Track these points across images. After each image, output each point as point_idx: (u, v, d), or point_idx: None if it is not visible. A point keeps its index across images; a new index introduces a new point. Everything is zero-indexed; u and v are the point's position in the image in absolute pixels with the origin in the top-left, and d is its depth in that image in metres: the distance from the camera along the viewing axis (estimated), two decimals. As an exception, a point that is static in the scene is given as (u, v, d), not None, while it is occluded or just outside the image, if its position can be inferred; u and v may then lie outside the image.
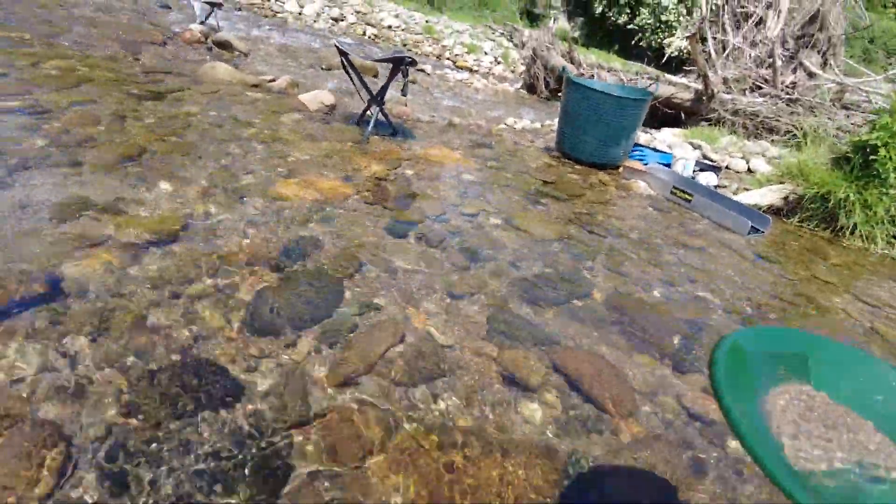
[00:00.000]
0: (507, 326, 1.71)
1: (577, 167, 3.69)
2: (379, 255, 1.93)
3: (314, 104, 3.60)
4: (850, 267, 2.99)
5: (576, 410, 1.44)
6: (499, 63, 8.77)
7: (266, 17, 7.77)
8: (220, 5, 5.56)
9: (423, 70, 6.93)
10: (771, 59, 6.10)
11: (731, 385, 0.75)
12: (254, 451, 1.12)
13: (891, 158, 3.20)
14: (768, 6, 7.08)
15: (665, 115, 6.04)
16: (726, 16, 7.27)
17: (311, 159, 2.68)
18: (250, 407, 1.22)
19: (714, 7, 7.05)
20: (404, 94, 3.26)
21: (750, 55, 6.77)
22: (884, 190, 3.30)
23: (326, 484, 1.09)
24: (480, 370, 1.51)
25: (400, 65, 3.14)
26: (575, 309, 1.90)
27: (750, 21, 7.15)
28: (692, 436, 1.43)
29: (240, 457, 1.10)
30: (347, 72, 3.26)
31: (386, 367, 1.43)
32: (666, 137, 4.89)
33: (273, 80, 4.07)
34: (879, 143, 3.23)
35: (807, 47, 6.87)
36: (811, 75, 6.52)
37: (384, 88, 3.27)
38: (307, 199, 2.24)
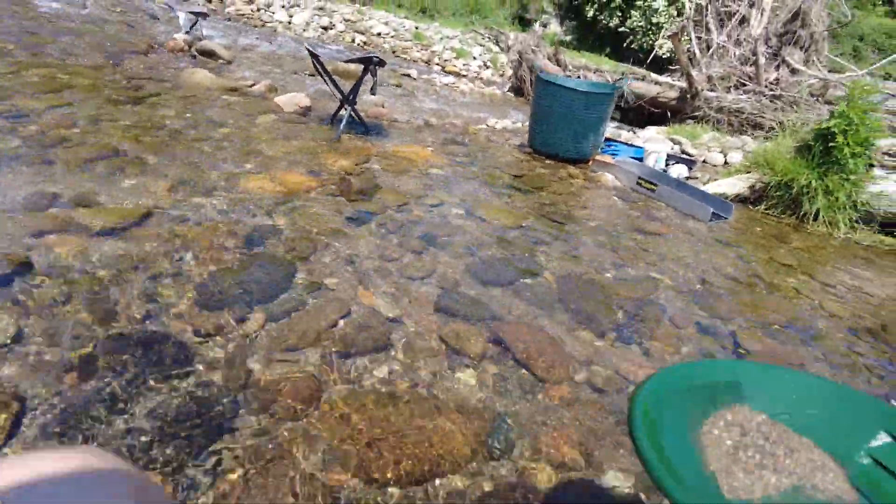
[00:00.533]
0: (455, 303, 1.79)
1: (549, 162, 3.78)
2: (336, 242, 2.02)
3: (290, 106, 3.71)
4: (810, 251, 3.07)
5: (512, 377, 1.52)
6: (487, 67, 8.88)
7: (255, 27, 7.91)
8: (204, 15, 5.70)
9: (408, 75, 7.04)
10: (754, 57, 6.20)
11: (652, 427, 0.73)
12: (201, 411, 1.20)
13: (847, 144, 3.28)
14: (751, 5, 7.20)
15: (652, 114, 6.15)
16: (710, 15, 7.38)
17: (281, 157, 2.78)
18: (199, 372, 1.30)
19: (698, 6, 7.17)
20: (373, 94, 3.36)
21: (734, 53, 6.88)
22: (844, 176, 3.38)
23: (266, 438, 1.17)
24: (424, 341, 1.59)
25: (368, 64, 3.24)
26: (524, 288, 1.98)
27: (733, 20, 7.26)
28: (623, 402, 1.51)
29: (187, 418, 1.18)
30: (319, 73, 3.36)
31: (330, 338, 1.51)
32: (648, 135, 4.99)
33: (253, 85, 4.18)
34: (837, 131, 3.32)
35: (789, 44, 6.98)
36: (794, 71, 6.62)
37: (355, 88, 3.37)
38: (272, 193, 2.33)
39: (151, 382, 1.25)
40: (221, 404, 1.23)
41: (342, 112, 3.44)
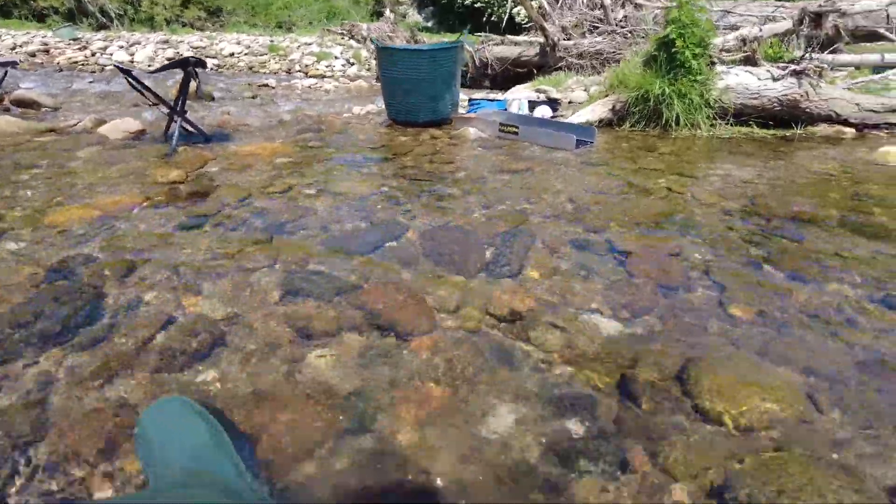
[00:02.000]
0: (305, 285, 1.57)
1: (410, 130, 3.62)
2: (160, 254, 1.74)
3: (116, 133, 3.32)
4: (677, 154, 3.09)
5: (373, 343, 1.33)
6: (352, 64, 8.65)
7: (93, 72, 7.25)
8: (13, 64, 5.09)
9: (266, 85, 6.70)
10: (600, 0, 6.38)
11: None
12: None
13: (687, 47, 3.34)
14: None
15: (518, 75, 6.21)
16: (552, -31, 7.53)
17: (101, 183, 2.43)
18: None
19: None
20: (199, 96, 3.06)
21: (581, 1, 7.06)
22: (692, 78, 3.45)
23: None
24: (267, 333, 1.36)
25: (186, 67, 2.94)
26: (386, 251, 1.79)
27: (574, -31, 7.43)
28: (496, 337, 1.35)
29: None
30: (138, 90, 3.02)
31: (146, 357, 1.26)
32: (515, 95, 4.95)
33: (76, 123, 3.74)
34: (674, 35, 3.37)
35: (631, -18, 7.22)
36: (638, 6, 6.87)
37: (180, 97, 3.05)
38: (86, 220, 2.01)
39: None
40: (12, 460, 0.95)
41: (173, 125, 3.11)
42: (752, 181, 2.61)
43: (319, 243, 1.83)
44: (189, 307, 1.45)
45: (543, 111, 3.87)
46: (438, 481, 0.93)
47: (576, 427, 1.06)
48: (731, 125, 3.62)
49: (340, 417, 1.07)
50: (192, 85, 2.99)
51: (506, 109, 3.95)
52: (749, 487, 0.91)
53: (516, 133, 3.26)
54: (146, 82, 3.11)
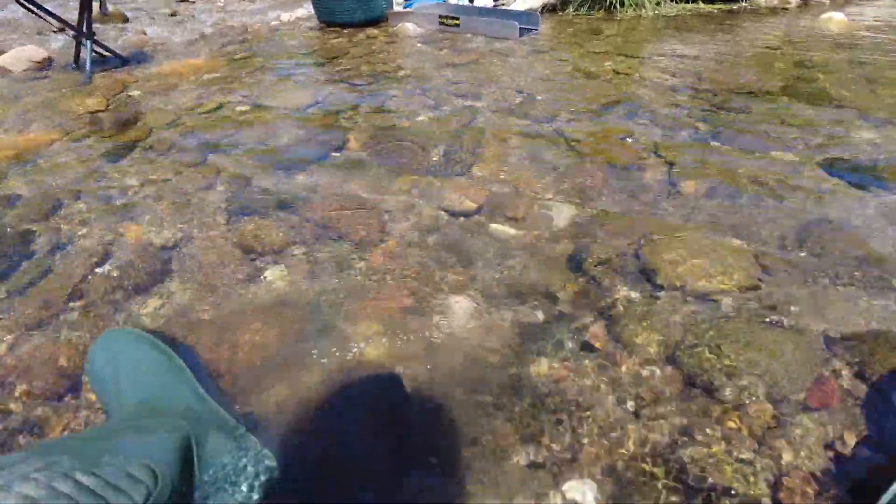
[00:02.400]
0: (249, 203, 1.50)
1: (344, 32, 3.40)
2: (90, 186, 1.63)
3: (20, 64, 3.00)
4: (623, 34, 3.00)
5: (326, 256, 1.29)
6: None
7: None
8: None
9: (184, 0, 6.12)
10: None
11: None
12: None
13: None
14: None
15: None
16: None
17: (9, 119, 2.22)
18: None
19: None
20: (105, 14, 2.77)
21: None
22: (634, -48, 3.29)
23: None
24: (215, 255, 1.31)
25: (84, -22, 2.62)
26: (330, 162, 1.72)
27: None
28: (452, 234, 1.33)
29: None
30: (36, 14, 2.70)
31: (88, 293, 1.20)
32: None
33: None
34: None
35: None
36: None
37: (83, 16, 2.74)
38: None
39: None
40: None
41: (83, 50, 2.82)
42: (699, 57, 2.57)
43: (258, 160, 1.74)
44: (128, 237, 1.37)
45: (485, 1, 3.67)
46: (405, 382, 0.94)
47: (535, 312, 1.07)
48: (677, 2, 3.52)
49: (300, 332, 1.06)
50: (95, 5, 2.68)
51: (444, 1, 3.72)
52: (702, 349, 0.95)
53: (457, 25, 3.09)
54: (47, 6, 2.78)
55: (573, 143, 1.73)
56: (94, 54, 2.77)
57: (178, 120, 2.07)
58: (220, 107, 2.19)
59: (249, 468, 0.74)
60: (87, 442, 0.69)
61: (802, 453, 0.80)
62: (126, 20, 4.64)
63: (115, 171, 1.72)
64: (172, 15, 5.16)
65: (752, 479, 0.76)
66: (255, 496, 0.72)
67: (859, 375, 0.90)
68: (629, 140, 1.76)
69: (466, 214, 1.40)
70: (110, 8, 4.60)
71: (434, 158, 1.69)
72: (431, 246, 1.29)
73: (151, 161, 1.76)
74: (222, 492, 0.70)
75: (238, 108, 2.17)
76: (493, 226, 1.35)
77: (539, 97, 2.12)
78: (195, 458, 0.71)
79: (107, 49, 2.90)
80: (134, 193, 1.57)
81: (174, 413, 0.77)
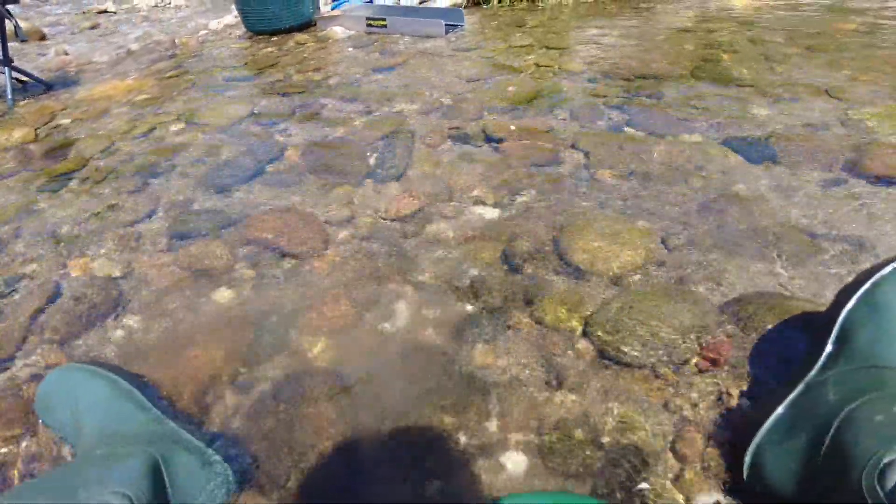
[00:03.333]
0: (190, 226, 1.55)
1: (274, 39, 3.41)
2: (28, 224, 1.64)
3: (-64, 96, 2.91)
4: (545, 25, 3.13)
5: (270, 270, 1.36)
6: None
7: None
8: None
9: (104, 10, 5.95)
10: None
11: None
12: None
13: None
14: None
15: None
16: None
17: (-66, 157, 2.18)
18: None
19: None
20: (21, 38, 2.71)
21: None
22: (550, -58, 3.42)
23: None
24: (162, 281, 1.36)
25: (-3, 6, 2.57)
26: (268, 176, 1.78)
27: None
28: (390, 239, 1.42)
29: None
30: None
31: (39, 331, 1.24)
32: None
33: None
34: None
35: None
36: None
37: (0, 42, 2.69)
38: (-71, 203, 1.83)
39: None
40: None
41: (1, 77, 2.76)
42: (615, 45, 2.72)
43: (197, 180, 1.78)
44: (75, 272, 1.41)
45: (411, 0, 3.74)
46: (352, 381, 1.03)
47: (468, 305, 1.18)
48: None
49: (250, 346, 1.13)
50: (9, 25, 2.63)
51: (371, 2, 3.77)
52: (613, 321, 1.08)
53: (385, 26, 3.16)
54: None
55: (498, 143, 1.84)
56: (13, 81, 2.72)
57: (113, 146, 2.08)
58: (153, 128, 2.21)
59: (214, 483, 0.82)
60: (59, 480, 0.76)
61: (699, 408, 0.93)
62: (44, 38, 4.50)
63: (52, 203, 1.73)
64: (93, 28, 5.03)
65: (658, 433, 0.89)
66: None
67: (744, 335, 1.05)
68: (549, 134, 1.88)
69: (403, 219, 1.49)
70: (24, 26, 4.45)
71: (369, 165, 1.77)
72: (372, 252, 1.38)
73: (90, 192, 1.78)
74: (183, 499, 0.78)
75: (172, 129, 2.19)
76: (429, 227, 1.45)
77: (467, 97, 2.22)
78: (165, 480, 0.78)
79: (28, 75, 2.85)
80: (76, 227, 1.59)
81: (138, 439, 0.84)
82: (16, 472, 0.94)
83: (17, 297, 1.34)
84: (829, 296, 1.09)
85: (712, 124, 1.87)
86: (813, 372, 0.83)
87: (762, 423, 0.81)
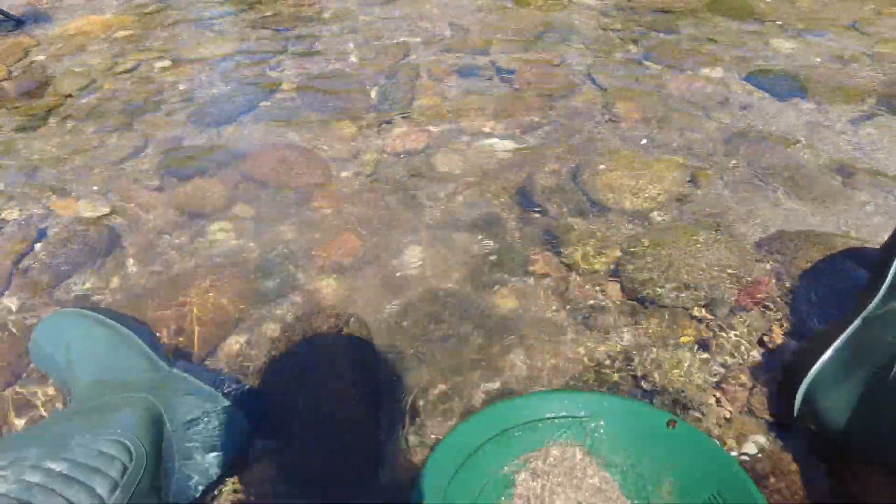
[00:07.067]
0: (182, 163, 1.45)
1: (261, -27, 3.19)
2: (5, 163, 1.53)
3: None
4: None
5: (271, 207, 1.27)
6: None
7: None
8: None
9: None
10: None
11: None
12: None
13: None
14: None
15: None
16: None
17: None
18: None
19: None
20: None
21: None
22: None
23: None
24: (156, 221, 1.27)
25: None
26: (261, 111, 1.66)
27: None
28: (397, 175, 1.33)
29: None
30: None
31: (24, 275, 1.15)
32: None
33: None
34: None
35: None
36: None
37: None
38: None
39: None
40: None
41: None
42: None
43: (187, 117, 1.66)
44: (61, 212, 1.31)
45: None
46: (364, 321, 0.96)
47: (485, 245, 1.10)
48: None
49: (255, 285, 1.06)
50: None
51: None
52: (643, 260, 1.01)
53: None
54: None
55: (509, 74, 1.73)
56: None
57: (94, 83, 1.94)
58: (138, 65, 2.06)
59: (222, 430, 0.76)
60: (52, 428, 0.69)
61: (740, 348, 0.87)
62: (14, -25, 4.21)
63: (31, 143, 1.61)
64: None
65: (699, 376, 0.84)
66: (230, 456, 0.74)
67: (785, 272, 0.98)
68: (562, 66, 1.77)
69: (411, 154, 1.40)
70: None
71: (371, 99, 1.66)
72: (379, 189, 1.29)
73: (72, 130, 1.66)
74: (198, 456, 0.72)
75: (158, 65, 2.04)
76: (436, 164, 1.36)
77: (471, 29, 2.08)
78: (167, 426, 0.71)
79: (1, 12, 2.64)
80: (58, 166, 1.48)
81: (135, 386, 0.77)
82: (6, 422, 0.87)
83: (1, 238, 1.24)
84: (869, 231, 1.02)
85: (733, 58, 1.76)
86: (871, 306, 0.77)
87: (812, 360, 0.76)
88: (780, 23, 1.99)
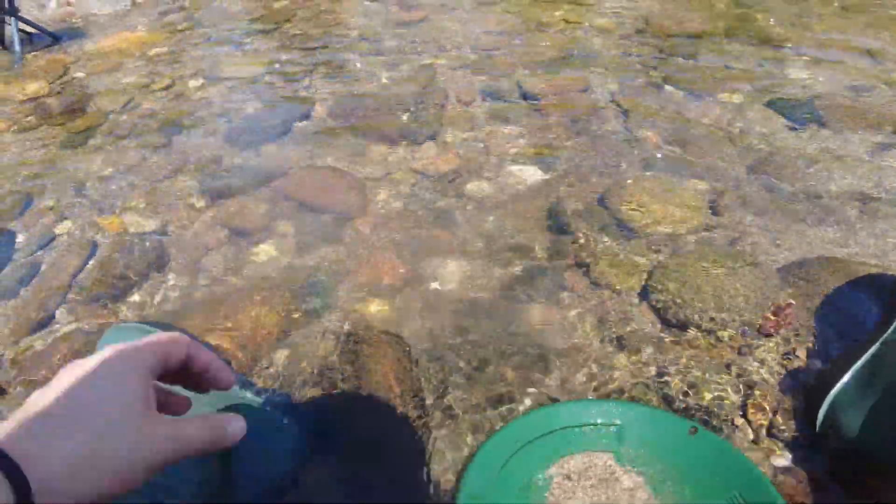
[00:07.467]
0: (222, 182, 1.52)
1: (288, -8, 3.29)
2: (55, 178, 1.60)
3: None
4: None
5: (312, 228, 1.33)
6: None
7: None
8: None
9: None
10: None
11: None
12: None
13: None
14: None
15: None
16: None
17: (-53, 111, 2.12)
18: None
19: None
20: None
21: None
22: None
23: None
24: (201, 238, 1.33)
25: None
26: (298, 133, 1.73)
27: None
28: (431, 198, 1.39)
29: None
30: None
31: (82, 288, 1.21)
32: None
33: None
34: None
35: None
36: None
37: (3, -11, 2.57)
38: (-52, 157, 1.78)
39: None
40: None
41: (8, 29, 2.66)
42: (644, 4, 2.64)
43: (225, 137, 1.73)
44: (110, 228, 1.38)
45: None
46: (407, 337, 1.02)
47: (518, 266, 1.16)
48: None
49: (300, 303, 1.11)
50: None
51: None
52: (671, 283, 1.06)
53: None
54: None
55: (534, 100, 1.79)
56: (20, 32, 2.62)
57: (133, 101, 2.02)
58: (173, 83, 2.14)
59: (285, 449, 0.79)
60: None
61: (764, 370, 0.92)
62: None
63: (77, 159, 1.69)
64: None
65: (726, 396, 0.88)
66: (288, 468, 0.78)
67: (808, 298, 1.03)
68: (586, 92, 1.83)
69: (442, 176, 1.46)
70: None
71: (402, 122, 1.73)
72: (413, 211, 1.35)
73: (114, 147, 1.73)
74: (256, 470, 0.75)
75: (192, 84, 2.12)
76: (469, 186, 1.42)
77: (495, 53, 2.15)
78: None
79: (34, 26, 2.74)
80: (104, 183, 1.55)
81: (197, 404, 0.81)
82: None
83: (55, 254, 1.30)
84: (889, 258, 1.07)
85: (752, 84, 1.82)
86: (890, 330, 0.82)
87: (834, 380, 0.81)
88: (796, 49, 2.05)
